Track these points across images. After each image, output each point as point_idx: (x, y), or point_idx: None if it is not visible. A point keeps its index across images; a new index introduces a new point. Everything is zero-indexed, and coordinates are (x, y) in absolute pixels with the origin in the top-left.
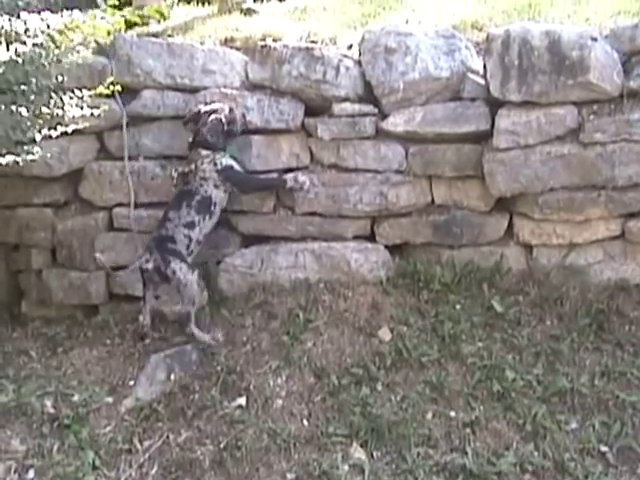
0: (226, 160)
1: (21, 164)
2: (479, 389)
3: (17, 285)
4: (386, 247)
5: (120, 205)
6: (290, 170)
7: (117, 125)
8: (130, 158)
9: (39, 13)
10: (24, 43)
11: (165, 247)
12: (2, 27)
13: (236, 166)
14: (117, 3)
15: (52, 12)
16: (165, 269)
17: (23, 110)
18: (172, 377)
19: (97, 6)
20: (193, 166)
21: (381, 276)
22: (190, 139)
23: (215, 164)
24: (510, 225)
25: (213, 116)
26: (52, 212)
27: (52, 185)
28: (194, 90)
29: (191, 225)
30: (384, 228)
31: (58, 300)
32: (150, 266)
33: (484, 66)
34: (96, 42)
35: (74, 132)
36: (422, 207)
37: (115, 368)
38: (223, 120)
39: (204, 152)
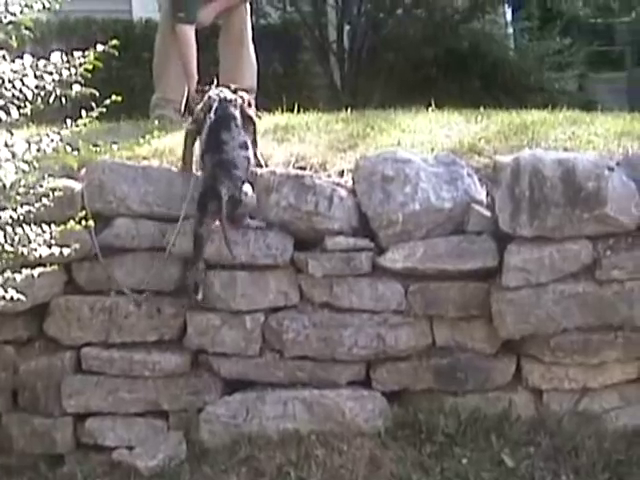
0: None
1: None
2: None
3: None
4: (383, 394)
5: (89, 345)
6: (277, 310)
7: (87, 256)
8: (101, 293)
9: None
10: None
11: (231, 173)
12: None
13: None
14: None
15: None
16: (239, 195)
17: None
18: None
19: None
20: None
21: (379, 427)
22: None
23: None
24: (518, 368)
25: None
26: (14, 350)
27: (14, 320)
28: (172, 219)
29: (245, 146)
30: (381, 373)
31: (19, 448)
32: (226, 197)
33: (490, 196)
34: (66, 165)
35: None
36: (422, 350)
37: None
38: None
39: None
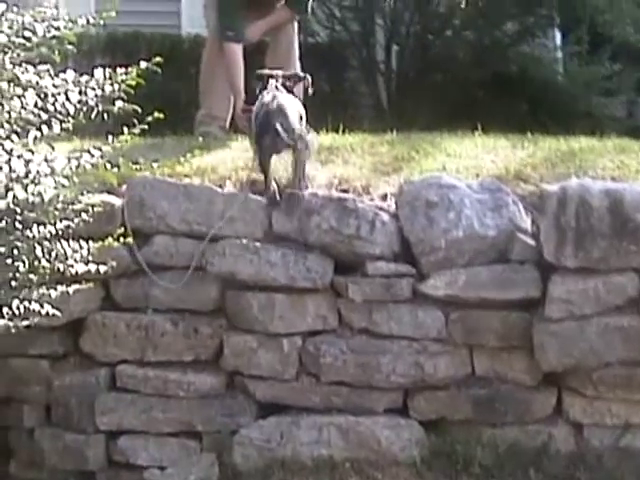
0: None
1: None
2: None
3: (6, 443)
4: (420, 423)
5: (125, 362)
6: (315, 333)
7: (124, 273)
8: (138, 310)
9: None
10: (25, 188)
11: (287, 116)
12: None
13: None
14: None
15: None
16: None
17: (20, 265)
18: None
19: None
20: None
21: (414, 456)
22: None
23: None
24: (558, 402)
25: None
26: (48, 365)
27: (50, 335)
28: (211, 239)
29: (296, 109)
30: (419, 402)
31: (51, 464)
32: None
33: (535, 225)
34: (105, 181)
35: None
36: (461, 379)
37: None
38: None
39: None
